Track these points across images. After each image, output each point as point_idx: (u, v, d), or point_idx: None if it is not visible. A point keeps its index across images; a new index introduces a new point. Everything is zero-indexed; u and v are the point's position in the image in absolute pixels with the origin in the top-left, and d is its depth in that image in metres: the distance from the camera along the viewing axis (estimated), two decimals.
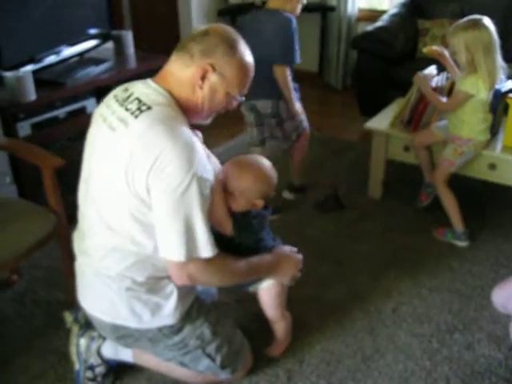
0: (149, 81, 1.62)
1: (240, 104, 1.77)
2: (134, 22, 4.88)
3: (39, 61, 2.86)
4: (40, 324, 2.27)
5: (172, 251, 1.54)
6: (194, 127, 1.66)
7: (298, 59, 2.85)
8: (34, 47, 2.82)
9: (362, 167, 3.29)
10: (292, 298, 2.18)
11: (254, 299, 2.29)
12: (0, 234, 2.02)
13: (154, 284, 1.66)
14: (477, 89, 2.51)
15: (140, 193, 1.51)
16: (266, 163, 1.83)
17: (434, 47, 2.85)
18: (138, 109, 1.53)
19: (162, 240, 1.55)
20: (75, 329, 1.97)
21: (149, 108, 1.53)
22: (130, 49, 3.40)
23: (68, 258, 2.19)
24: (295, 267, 1.93)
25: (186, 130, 1.54)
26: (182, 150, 1.48)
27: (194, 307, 1.78)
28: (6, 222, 2.09)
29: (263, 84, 2.69)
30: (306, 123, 3.09)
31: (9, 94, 2.58)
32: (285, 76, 2.80)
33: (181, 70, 1.58)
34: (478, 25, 2.48)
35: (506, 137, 2.72)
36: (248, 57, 1.64)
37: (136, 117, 1.52)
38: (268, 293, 1.96)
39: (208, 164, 1.58)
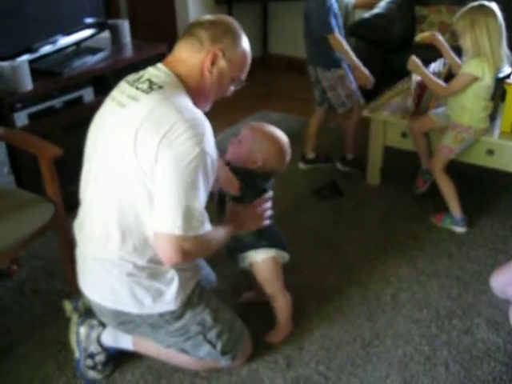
0: (159, 65, 1.67)
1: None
2: (130, 11, 4.85)
3: (35, 50, 2.84)
4: (40, 313, 2.28)
5: (168, 222, 1.52)
6: None
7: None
8: (29, 37, 2.81)
9: (360, 154, 3.29)
10: (291, 285, 2.19)
11: (250, 287, 2.31)
12: None
13: (155, 269, 1.66)
14: (482, 71, 2.49)
15: (146, 164, 1.51)
16: (284, 138, 2.03)
17: (426, 33, 2.85)
18: (149, 87, 1.59)
19: (160, 211, 1.53)
20: (75, 317, 1.98)
21: (160, 87, 1.58)
22: (127, 38, 3.38)
23: (67, 247, 2.20)
24: (259, 219, 1.96)
25: (196, 108, 1.60)
26: (193, 123, 1.53)
27: (196, 293, 1.79)
28: (5, 211, 2.09)
29: (307, 50, 3.22)
30: (357, 96, 3.18)
31: (5, 84, 2.57)
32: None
33: (190, 55, 1.64)
34: (485, 8, 2.48)
35: (503, 123, 2.72)
36: (248, 47, 1.73)
37: (147, 93, 1.57)
38: (262, 267, 2.01)
39: (214, 143, 1.62)
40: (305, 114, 4.21)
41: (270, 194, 2.01)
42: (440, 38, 2.76)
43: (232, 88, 1.77)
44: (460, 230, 2.75)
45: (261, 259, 2.00)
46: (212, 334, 1.80)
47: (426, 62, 3.20)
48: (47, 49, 2.92)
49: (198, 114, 1.58)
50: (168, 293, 1.69)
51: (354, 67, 3.06)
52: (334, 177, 3.22)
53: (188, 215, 1.52)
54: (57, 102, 2.79)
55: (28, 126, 2.62)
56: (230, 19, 1.72)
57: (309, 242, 2.71)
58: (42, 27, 2.88)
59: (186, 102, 1.60)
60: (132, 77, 1.68)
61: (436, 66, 2.83)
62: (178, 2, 4.70)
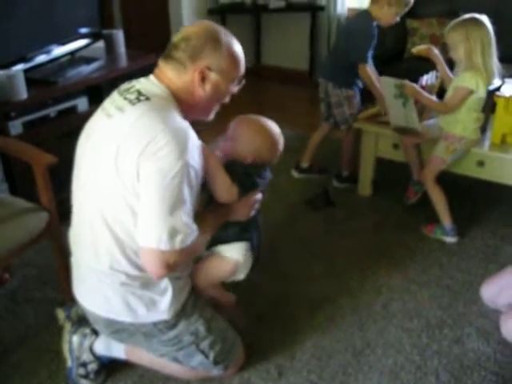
0: (151, 76, 1.67)
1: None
2: (124, 21, 4.88)
3: (30, 60, 2.86)
4: (32, 322, 2.28)
5: (153, 238, 1.51)
6: (193, 125, 1.69)
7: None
8: (24, 46, 2.82)
9: (354, 164, 3.31)
10: (283, 294, 2.20)
11: (246, 294, 2.32)
12: None
13: (148, 279, 1.66)
14: (476, 84, 2.53)
15: (128, 179, 1.50)
16: (275, 129, 1.97)
17: (422, 46, 2.89)
18: (137, 98, 1.58)
19: (145, 225, 1.52)
20: (68, 326, 1.98)
21: (147, 99, 1.57)
22: (121, 48, 3.40)
23: (60, 255, 2.20)
24: (249, 208, 1.89)
25: (182, 120, 1.58)
26: (176, 135, 1.50)
27: (189, 303, 1.79)
28: None
29: (327, 64, 3.25)
30: (355, 115, 3.20)
31: (0, 92, 2.58)
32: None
33: (177, 76, 1.63)
34: (477, 21, 2.53)
35: (493, 134, 2.75)
36: (234, 43, 1.68)
37: (133, 104, 1.56)
38: (224, 264, 1.94)
39: (199, 154, 1.59)
40: (297, 125, 4.25)
41: (267, 180, 1.97)
42: (436, 51, 2.81)
43: (235, 88, 1.73)
44: (451, 240, 2.77)
45: (229, 255, 1.93)
46: (205, 344, 1.81)
47: (418, 74, 3.25)
48: (42, 58, 2.93)
49: (183, 125, 1.56)
50: (162, 302, 1.70)
51: (379, 99, 3.02)
52: (326, 187, 3.24)
53: (173, 230, 1.51)
54: (51, 111, 2.80)
55: (22, 135, 2.62)
56: (203, 25, 1.65)
57: (301, 252, 2.72)
58: (37, 37, 2.90)
59: (172, 113, 1.57)
60: (124, 86, 1.68)
61: (428, 78, 2.87)
62: (172, 13, 4.74)
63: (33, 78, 2.79)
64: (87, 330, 1.93)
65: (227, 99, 1.76)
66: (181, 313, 1.76)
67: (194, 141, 1.57)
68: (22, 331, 2.23)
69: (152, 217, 1.50)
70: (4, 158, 2.63)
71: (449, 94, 2.65)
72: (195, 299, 1.84)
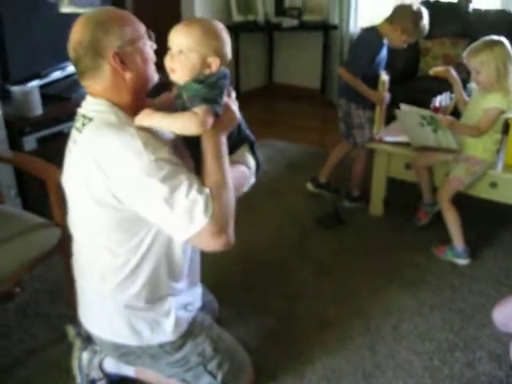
0: (87, 96, 1.57)
1: None
2: None
3: (45, 76, 2.90)
4: (42, 337, 2.27)
5: (184, 228, 1.45)
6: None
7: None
8: (40, 63, 2.87)
9: (364, 184, 3.31)
10: (292, 313, 2.19)
11: (257, 313, 2.31)
12: (4, 247, 2.03)
13: (151, 301, 1.65)
14: (507, 105, 2.54)
15: (110, 201, 1.47)
16: (215, 21, 1.60)
17: (440, 67, 2.90)
18: (82, 123, 1.51)
19: (168, 224, 1.47)
20: (77, 343, 1.98)
21: (90, 120, 1.50)
22: None
23: (70, 271, 2.20)
24: (229, 110, 1.59)
25: (127, 127, 1.46)
26: (125, 141, 1.42)
27: (196, 323, 1.78)
28: (11, 234, 2.10)
29: (347, 84, 3.09)
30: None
31: (16, 108, 2.61)
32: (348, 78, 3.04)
33: (100, 82, 1.50)
34: (502, 43, 2.54)
35: (506, 156, 2.74)
36: (107, 12, 1.52)
37: (80, 131, 1.51)
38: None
39: (157, 140, 1.47)
40: (308, 142, 4.26)
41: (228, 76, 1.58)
42: (454, 73, 2.80)
43: (149, 43, 1.56)
44: (463, 262, 2.75)
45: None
46: (212, 365, 1.79)
47: (430, 93, 3.26)
48: (57, 75, 2.98)
49: (128, 130, 1.44)
50: (166, 323, 1.69)
51: (378, 102, 3.05)
52: (337, 206, 3.23)
53: (189, 209, 1.43)
54: (65, 127, 2.83)
55: (36, 150, 2.65)
56: (79, 22, 1.48)
57: (311, 270, 2.71)
58: (52, 54, 2.94)
59: (115, 122, 1.47)
60: (76, 117, 1.59)
61: (442, 99, 2.86)
62: None
63: (47, 94, 2.83)
64: (97, 347, 1.93)
65: (152, 55, 1.57)
66: (187, 334, 1.74)
67: (143, 137, 1.44)
68: (31, 346, 2.23)
69: (165, 216, 1.44)
70: (18, 173, 2.66)
71: (479, 117, 2.61)
72: (202, 319, 1.83)
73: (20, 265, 1.98)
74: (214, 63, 1.50)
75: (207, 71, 1.50)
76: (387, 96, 3.04)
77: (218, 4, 4.88)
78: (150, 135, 1.47)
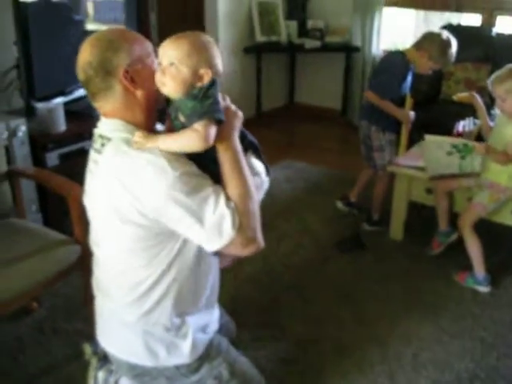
0: (102, 118, 1.56)
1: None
2: None
3: (69, 93, 2.93)
4: (58, 353, 2.27)
5: (215, 240, 1.45)
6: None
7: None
8: (64, 80, 2.89)
9: (384, 207, 3.29)
10: (310, 338, 2.17)
11: (272, 337, 2.29)
12: (24, 263, 2.04)
13: (169, 321, 1.64)
14: None
15: (138, 220, 1.46)
16: (204, 34, 1.54)
17: (465, 93, 2.88)
18: (102, 144, 1.51)
19: (199, 237, 1.46)
20: (94, 361, 1.96)
21: (109, 140, 1.49)
22: None
23: (89, 288, 2.20)
24: (231, 111, 1.57)
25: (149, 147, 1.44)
26: (148, 159, 1.41)
27: (213, 346, 1.76)
28: (31, 250, 2.11)
29: (367, 107, 3.14)
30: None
31: (40, 124, 2.64)
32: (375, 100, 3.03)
33: (112, 102, 1.50)
34: None
35: None
36: (115, 32, 1.52)
37: (100, 152, 1.50)
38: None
39: (179, 156, 1.45)
40: (330, 164, 4.25)
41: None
42: (479, 99, 2.79)
43: (155, 60, 1.53)
44: (484, 289, 2.71)
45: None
46: None
47: (452, 118, 3.24)
48: (80, 92, 3.00)
49: (147, 153, 1.42)
50: (183, 346, 1.67)
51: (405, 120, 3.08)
52: (358, 230, 3.21)
53: (218, 224, 1.43)
54: (87, 144, 2.84)
55: (58, 167, 2.67)
56: (87, 44, 1.49)
57: (329, 295, 2.69)
58: (76, 71, 2.97)
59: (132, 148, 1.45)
60: (93, 138, 1.58)
61: (466, 124, 2.84)
62: None
63: (71, 110, 2.85)
64: (112, 367, 1.91)
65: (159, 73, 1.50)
66: (204, 356, 1.72)
67: (166, 155, 1.42)
68: (47, 362, 2.23)
69: (196, 230, 1.44)
70: (39, 188, 2.68)
71: (504, 144, 2.57)
72: (219, 342, 1.81)
73: (39, 281, 1.99)
74: (206, 75, 1.47)
75: (199, 84, 1.46)
76: (412, 114, 3.06)
77: (241, 25, 4.93)
78: (171, 153, 1.46)
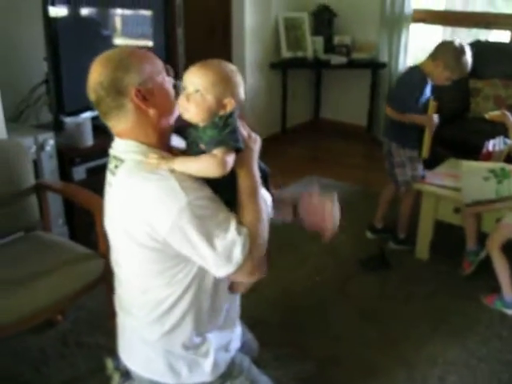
0: (116, 139, 1.56)
1: None
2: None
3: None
4: (81, 367, 2.28)
5: (222, 266, 1.45)
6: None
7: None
8: None
9: (410, 226, 3.24)
10: (333, 358, 2.14)
11: (294, 357, 2.26)
12: (50, 277, 2.06)
13: (191, 340, 1.63)
14: None
15: (151, 244, 1.46)
16: (229, 63, 1.55)
17: (496, 112, 2.85)
18: (115, 166, 1.50)
19: (207, 261, 1.46)
20: (116, 377, 1.96)
21: (122, 161, 1.49)
22: None
23: (112, 303, 2.20)
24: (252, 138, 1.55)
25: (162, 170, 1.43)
26: (158, 189, 1.41)
27: (235, 364, 1.74)
28: (57, 264, 2.13)
29: (387, 123, 3.21)
30: (417, 177, 3.13)
31: (68, 138, 2.67)
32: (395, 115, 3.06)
33: (124, 122, 1.49)
34: None
35: None
36: (125, 52, 1.51)
37: (114, 174, 1.50)
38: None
39: (191, 177, 1.44)
40: (355, 180, 4.22)
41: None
42: (511, 117, 2.75)
43: (168, 79, 1.55)
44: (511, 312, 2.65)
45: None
46: None
47: (480, 135, 3.20)
48: None
49: (161, 171, 1.42)
50: (205, 364, 1.66)
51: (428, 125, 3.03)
52: (383, 248, 3.17)
53: (228, 250, 1.43)
54: None
55: (85, 181, 2.70)
56: (98, 63, 1.49)
57: (353, 314, 2.65)
58: None
59: (145, 170, 1.44)
60: (108, 158, 1.58)
61: (496, 143, 2.80)
62: (235, 66, 4.85)
63: (98, 125, 2.88)
64: (135, 383, 1.91)
65: (172, 90, 1.55)
66: (225, 375, 1.70)
67: (178, 180, 1.41)
68: (70, 375, 2.24)
69: (202, 254, 1.43)
70: (66, 201, 2.70)
71: None
72: (241, 360, 1.79)
73: (65, 295, 2.00)
74: (230, 104, 1.48)
75: (221, 112, 1.48)
76: (436, 118, 3.02)
77: (267, 40, 4.95)
78: (183, 174, 1.45)
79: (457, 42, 2.90)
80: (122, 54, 1.50)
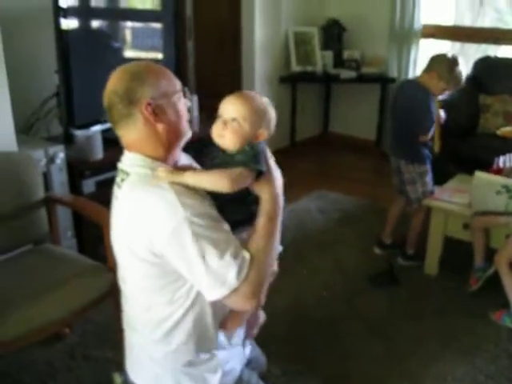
0: (124, 151, 1.56)
1: None
2: (197, 85, 5.04)
3: (106, 121, 2.97)
4: (88, 380, 2.28)
5: (214, 289, 1.43)
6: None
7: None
8: (102, 109, 2.94)
9: (419, 241, 3.23)
10: (341, 375, 2.12)
11: (301, 372, 2.25)
12: (58, 291, 2.06)
13: (197, 356, 1.63)
14: None
15: (152, 259, 1.46)
16: (262, 96, 1.61)
17: (509, 128, 2.84)
18: (121, 179, 1.52)
19: (200, 283, 1.45)
20: None
21: (127, 174, 1.50)
22: (195, 112, 3.50)
23: (120, 317, 2.21)
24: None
25: (162, 183, 1.44)
26: (157, 203, 1.41)
27: (243, 381, 1.73)
28: (65, 278, 2.13)
29: (393, 141, 3.24)
30: (427, 193, 3.13)
31: (78, 151, 2.68)
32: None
33: (134, 133, 1.50)
34: None
35: None
36: (146, 67, 1.53)
37: (120, 187, 1.51)
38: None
39: (194, 194, 1.45)
40: (363, 195, 4.22)
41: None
42: None
43: (183, 100, 1.56)
44: None
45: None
46: None
47: (490, 151, 3.19)
48: None
49: (162, 186, 1.43)
50: (213, 381, 1.65)
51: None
52: (392, 264, 3.16)
53: (222, 272, 1.41)
54: None
55: (94, 194, 2.71)
56: (118, 71, 1.51)
57: (361, 330, 2.64)
58: None
59: (150, 178, 1.46)
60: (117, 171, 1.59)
61: (507, 160, 2.78)
62: (245, 80, 4.89)
63: (108, 138, 2.90)
64: None
65: (186, 112, 1.57)
66: None
67: (182, 194, 1.42)
68: None
69: (196, 273, 1.42)
70: (75, 214, 2.71)
71: None
72: (249, 377, 1.79)
73: (73, 309, 2.01)
74: (262, 135, 1.54)
75: (255, 141, 1.53)
76: (442, 114, 3.09)
77: (277, 54, 4.97)
78: (186, 190, 1.45)
79: (449, 54, 2.97)
80: (140, 67, 1.52)
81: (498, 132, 2.89)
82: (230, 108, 1.52)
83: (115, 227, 1.57)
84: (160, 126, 1.50)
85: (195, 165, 1.69)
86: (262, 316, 1.84)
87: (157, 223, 1.41)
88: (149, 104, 1.47)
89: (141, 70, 1.51)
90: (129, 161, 1.53)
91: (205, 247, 1.41)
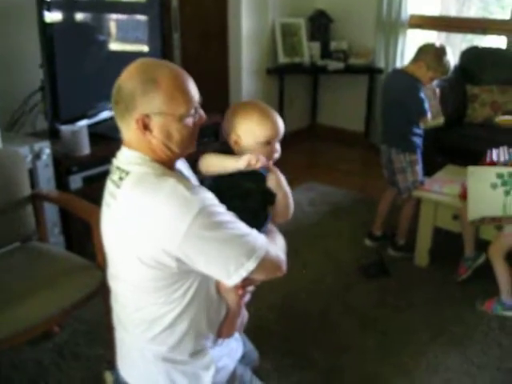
0: (122, 147, 1.53)
1: None
2: None
3: (93, 115, 2.94)
4: (78, 379, 2.25)
5: (248, 261, 1.43)
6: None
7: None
8: (88, 103, 2.91)
9: (409, 232, 3.23)
10: (335, 367, 2.12)
11: (295, 366, 2.24)
12: (47, 290, 2.03)
13: (190, 353, 1.61)
14: None
15: (159, 259, 1.43)
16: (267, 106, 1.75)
17: (508, 116, 2.82)
18: (120, 178, 1.47)
19: (218, 273, 1.45)
20: None
21: (127, 173, 1.46)
22: None
23: (110, 314, 2.18)
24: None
25: (167, 178, 1.42)
26: (168, 200, 1.38)
27: (236, 377, 1.73)
28: (53, 276, 2.10)
29: (384, 130, 3.26)
30: (417, 183, 3.14)
31: (64, 147, 2.65)
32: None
33: (133, 134, 1.47)
34: None
35: None
36: (163, 74, 1.45)
37: (118, 187, 1.47)
38: None
39: (200, 187, 1.48)
40: (353, 186, 4.21)
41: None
42: None
43: (192, 120, 1.50)
44: None
45: None
46: None
47: (477, 141, 3.18)
48: (104, 115, 3.01)
49: (168, 181, 1.41)
50: (206, 377, 1.64)
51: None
52: (382, 255, 3.16)
53: (250, 238, 1.44)
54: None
55: (81, 190, 2.67)
56: (135, 66, 1.46)
57: (353, 322, 2.64)
58: (100, 94, 2.98)
59: (153, 176, 1.44)
60: (110, 168, 1.55)
61: (501, 154, 2.74)
62: (231, 72, 4.85)
63: (95, 133, 2.86)
64: None
65: (194, 129, 1.52)
66: None
67: (182, 184, 1.41)
68: None
69: (227, 257, 1.41)
70: (62, 210, 2.68)
71: None
72: (242, 373, 1.77)
73: (61, 308, 1.98)
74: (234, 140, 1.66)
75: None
76: (436, 88, 3.13)
77: (264, 46, 4.94)
78: (191, 183, 1.46)
79: (437, 43, 2.99)
80: (155, 73, 1.43)
81: (496, 120, 2.86)
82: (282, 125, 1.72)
83: (111, 227, 1.53)
84: (153, 140, 1.46)
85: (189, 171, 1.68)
86: (245, 314, 1.82)
87: (171, 222, 1.37)
88: (141, 119, 1.42)
89: (154, 78, 1.42)
90: (126, 158, 1.49)
91: (226, 228, 1.41)
